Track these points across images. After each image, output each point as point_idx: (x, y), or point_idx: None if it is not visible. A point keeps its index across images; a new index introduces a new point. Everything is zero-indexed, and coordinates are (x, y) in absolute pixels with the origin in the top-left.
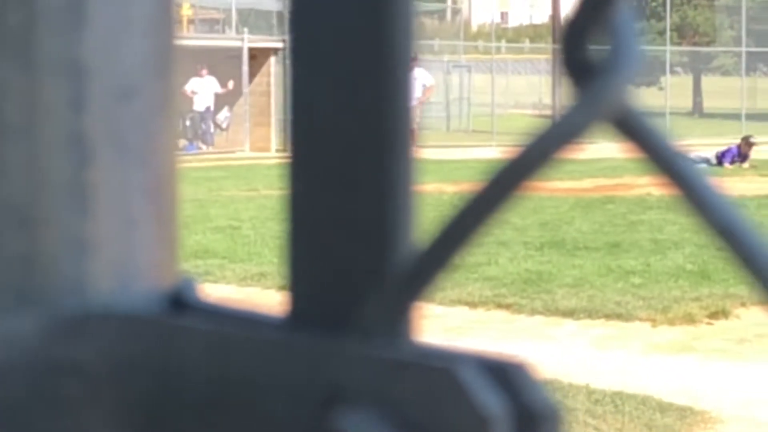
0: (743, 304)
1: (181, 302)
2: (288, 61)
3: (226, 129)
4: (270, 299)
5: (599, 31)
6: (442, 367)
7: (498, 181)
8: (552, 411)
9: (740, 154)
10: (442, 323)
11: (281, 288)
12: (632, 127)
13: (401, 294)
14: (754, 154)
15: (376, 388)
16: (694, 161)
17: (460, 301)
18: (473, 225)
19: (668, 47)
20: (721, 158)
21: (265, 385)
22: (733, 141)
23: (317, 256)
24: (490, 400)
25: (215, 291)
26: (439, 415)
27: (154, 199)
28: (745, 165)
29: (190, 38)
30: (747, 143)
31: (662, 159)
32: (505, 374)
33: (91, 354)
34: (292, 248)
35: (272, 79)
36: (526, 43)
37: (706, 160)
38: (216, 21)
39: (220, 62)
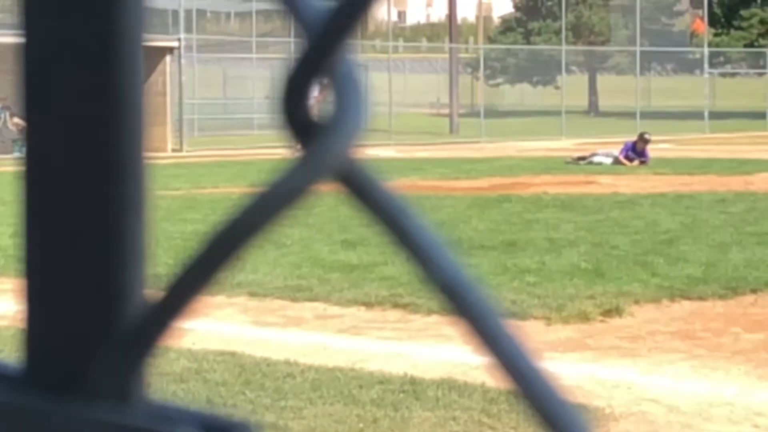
0: (636, 302)
1: None
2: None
3: None
4: None
5: (321, 87)
6: None
7: (217, 243)
8: None
9: (635, 150)
10: (338, 324)
11: None
12: (358, 185)
13: (129, 353)
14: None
15: None
16: (601, 155)
17: (356, 301)
18: (193, 288)
19: (564, 47)
20: (618, 154)
21: None
22: (628, 139)
23: (50, 311)
24: None
25: None
26: None
27: None
28: (635, 163)
29: None
30: (642, 140)
31: (388, 216)
32: None
33: None
34: (26, 302)
35: (168, 79)
36: (424, 42)
37: (611, 155)
38: None
39: None
